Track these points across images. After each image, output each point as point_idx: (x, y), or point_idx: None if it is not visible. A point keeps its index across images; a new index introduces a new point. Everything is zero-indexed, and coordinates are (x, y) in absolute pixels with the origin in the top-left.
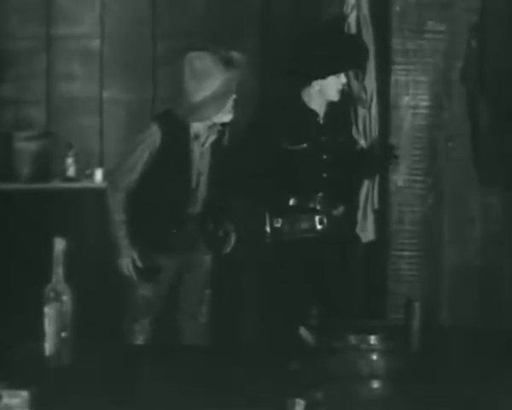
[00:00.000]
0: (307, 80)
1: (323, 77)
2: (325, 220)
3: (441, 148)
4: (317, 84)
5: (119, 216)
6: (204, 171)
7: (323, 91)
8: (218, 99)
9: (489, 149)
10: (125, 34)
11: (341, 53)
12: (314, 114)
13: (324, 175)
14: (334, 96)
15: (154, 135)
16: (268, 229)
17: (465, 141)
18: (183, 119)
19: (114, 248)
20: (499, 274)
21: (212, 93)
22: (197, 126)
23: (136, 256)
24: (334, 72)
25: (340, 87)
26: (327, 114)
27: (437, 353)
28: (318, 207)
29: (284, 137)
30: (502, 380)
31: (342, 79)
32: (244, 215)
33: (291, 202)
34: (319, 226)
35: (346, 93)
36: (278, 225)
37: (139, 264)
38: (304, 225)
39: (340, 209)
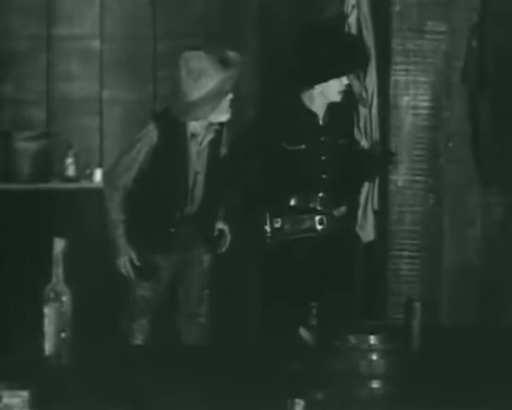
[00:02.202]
0: (309, 84)
1: (326, 80)
2: (325, 221)
3: (441, 148)
4: (319, 87)
5: (116, 215)
6: (201, 170)
7: (325, 93)
8: (213, 98)
9: (489, 149)
10: (125, 34)
11: (344, 56)
12: (313, 114)
13: (324, 176)
14: (335, 97)
15: (150, 134)
16: (268, 229)
17: (465, 141)
18: (179, 118)
19: (113, 248)
20: (499, 274)
21: (208, 92)
22: (194, 126)
23: (133, 255)
24: (337, 75)
25: (341, 89)
26: (327, 114)
27: (437, 353)
28: (319, 208)
29: (283, 138)
30: (502, 380)
31: (344, 80)
32: (244, 215)
33: (292, 202)
34: (319, 227)
35: (347, 93)
36: (278, 225)
37: (137, 263)
38: (304, 226)
39: (342, 210)
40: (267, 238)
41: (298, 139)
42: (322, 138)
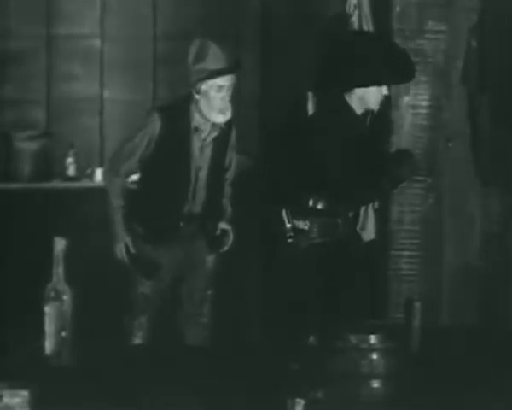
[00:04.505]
0: (351, 85)
1: (367, 85)
2: (344, 222)
3: (441, 148)
4: (359, 91)
5: (116, 201)
6: (203, 166)
7: (364, 99)
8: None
9: (489, 149)
10: (126, 34)
11: (389, 65)
12: (357, 118)
13: (353, 178)
14: (374, 105)
15: (154, 122)
16: (290, 229)
17: (465, 141)
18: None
19: (111, 233)
20: (499, 274)
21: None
22: (198, 120)
23: (129, 242)
24: (378, 83)
25: (381, 98)
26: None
27: (437, 353)
28: (340, 210)
29: (326, 138)
30: (501, 380)
31: (384, 90)
32: (265, 216)
33: (319, 204)
34: (340, 229)
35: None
36: (306, 227)
37: (132, 250)
38: (330, 229)
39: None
40: (289, 239)
41: (339, 141)
42: (363, 143)
